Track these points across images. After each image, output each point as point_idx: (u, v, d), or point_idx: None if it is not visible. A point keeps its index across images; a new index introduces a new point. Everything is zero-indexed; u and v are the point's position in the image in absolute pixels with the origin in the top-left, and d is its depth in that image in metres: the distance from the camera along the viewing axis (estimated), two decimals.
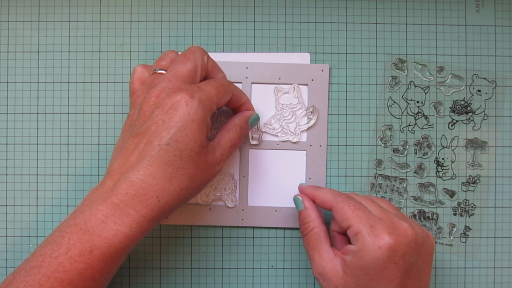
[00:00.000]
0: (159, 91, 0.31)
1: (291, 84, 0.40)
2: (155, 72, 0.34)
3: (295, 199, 0.38)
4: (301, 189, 0.39)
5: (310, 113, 0.40)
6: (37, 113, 0.41)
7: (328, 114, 0.41)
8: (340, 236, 0.35)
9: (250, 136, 0.40)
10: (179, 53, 0.35)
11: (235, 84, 0.40)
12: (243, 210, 0.40)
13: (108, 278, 0.32)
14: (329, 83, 0.41)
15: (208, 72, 0.35)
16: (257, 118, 0.38)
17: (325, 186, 0.41)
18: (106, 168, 0.33)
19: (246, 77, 0.40)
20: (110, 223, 0.29)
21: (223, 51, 0.41)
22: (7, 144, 0.41)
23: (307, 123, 0.40)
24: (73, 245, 0.29)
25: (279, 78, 0.40)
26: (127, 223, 0.29)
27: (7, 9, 0.41)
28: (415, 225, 0.33)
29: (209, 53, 0.41)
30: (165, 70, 0.34)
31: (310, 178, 0.40)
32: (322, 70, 0.41)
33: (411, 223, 0.33)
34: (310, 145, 0.41)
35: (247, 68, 0.40)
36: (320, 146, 0.41)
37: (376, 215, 0.33)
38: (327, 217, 0.41)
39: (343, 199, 0.34)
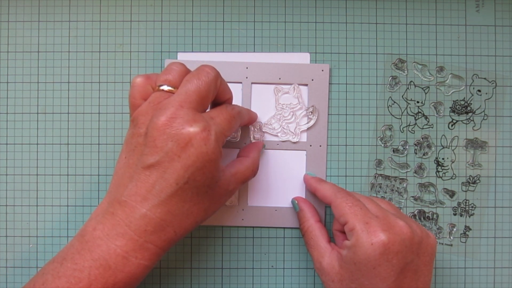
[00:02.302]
0: (170, 118, 0.29)
1: (291, 84, 0.40)
2: (161, 89, 0.31)
3: (292, 202, 0.40)
4: (306, 179, 0.40)
5: (310, 113, 0.40)
6: (37, 113, 0.41)
7: (328, 114, 0.41)
8: (341, 235, 0.36)
9: (252, 136, 0.40)
10: (187, 67, 0.33)
11: (236, 84, 0.40)
12: (243, 210, 0.40)
13: None
14: (329, 83, 0.41)
15: (219, 93, 0.33)
16: (263, 148, 0.40)
17: None
18: (110, 191, 0.31)
19: (246, 77, 0.40)
20: (131, 258, 0.29)
21: (223, 51, 0.41)
22: (7, 144, 0.41)
23: (307, 123, 0.40)
24: (95, 280, 0.29)
25: (279, 78, 0.40)
26: (147, 257, 0.29)
27: (7, 9, 0.41)
28: (413, 224, 0.33)
29: (209, 53, 0.41)
30: (172, 87, 0.31)
31: None
32: (322, 70, 0.41)
33: (409, 222, 0.33)
34: (310, 145, 0.41)
35: (247, 68, 0.40)
36: (320, 146, 0.41)
37: (374, 213, 0.33)
38: (331, 217, 0.41)
39: (342, 196, 0.34)
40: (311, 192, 0.39)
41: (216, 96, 0.33)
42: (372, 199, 0.35)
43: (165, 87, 0.31)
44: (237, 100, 0.40)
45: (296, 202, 0.39)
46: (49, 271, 0.29)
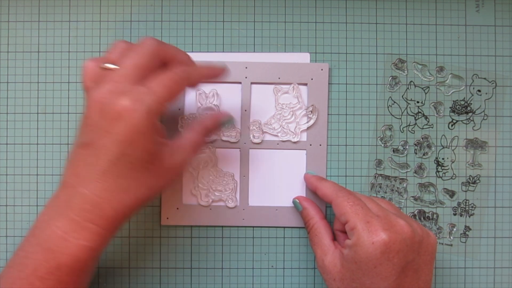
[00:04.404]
0: (103, 94, 0.29)
1: (291, 83, 0.40)
2: (104, 67, 0.31)
3: (294, 202, 0.40)
4: (306, 178, 0.40)
5: (310, 113, 0.40)
6: (37, 113, 0.41)
7: (328, 114, 0.41)
8: (343, 234, 0.36)
9: (251, 135, 0.40)
10: (131, 43, 0.33)
11: (235, 84, 0.40)
12: (243, 210, 0.40)
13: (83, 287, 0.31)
14: (329, 83, 0.41)
15: (166, 60, 0.32)
16: (230, 121, 0.38)
17: None
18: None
19: (246, 77, 0.40)
20: (71, 239, 0.29)
21: (223, 51, 0.41)
22: (7, 144, 0.41)
23: (307, 122, 0.40)
24: (40, 265, 0.29)
25: (279, 78, 0.40)
26: (88, 237, 0.29)
27: (7, 9, 0.41)
28: (414, 223, 0.33)
29: (209, 53, 0.41)
30: (115, 65, 0.31)
31: None
32: (322, 69, 0.41)
33: (409, 221, 0.33)
34: (310, 145, 0.41)
35: (246, 68, 0.40)
36: (320, 145, 0.41)
37: (375, 212, 0.33)
38: (331, 217, 0.41)
39: (343, 194, 0.34)
40: (312, 190, 0.39)
41: (166, 62, 0.32)
42: (373, 199, 0.35)
43: (109, 65, 0.31)
44: (236, 100, 0.40)
45: (298, 201, 0.39)
46: (8, 265, 0.30)
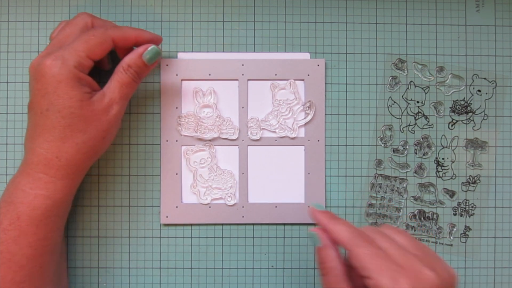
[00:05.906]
0: (35, 61, 0.33)
1: (287, 80, 0.40)
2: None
3: (311, 234, 0.33)
4: (313, 215, 0.33)
5: (307, 108, 0.40)
6: None
7: (328, 114, 0.41)
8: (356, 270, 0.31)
9: (250, 132, 0.40)
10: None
11: (232, 81, 0.40)
12: (243, 207, 0.40)
13: (46, 244, 0.33)
14: (329, 83, 0.41)
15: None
16: (155, 52, 0.35)
17: (324, 185, 0.41)
18: None
19: (242, 74, 0.40)
20: (27, 190, 0.33)
21: (223, 51, 0.41)
22: (7, 144, 0.41)
23: (305, 118, 0.40)
24: (3, 218, 0.32)
25: (275, 74, 0.40)
26: (42, 186, 0.33)
27: (7, 9, 0.41)
28: (438, 268, 0.29)
29: (209, 53, 0.41)
30: None
31: (309, 173, 0.40)
32: (318, 65, 0.41)
33: (435, 268, 0.29)
34: (308, 140, 0.41)
35: (242, 65, 0.40)
36: (319, 141, 0.41)
37: (396, 259, 0.29)
38: None
39: (361, 243, 0.30)
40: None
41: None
42: (385, 234, 0.31)
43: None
44: (233, 97, 0.40)
45: (318, 235, 0.33)
46: None
